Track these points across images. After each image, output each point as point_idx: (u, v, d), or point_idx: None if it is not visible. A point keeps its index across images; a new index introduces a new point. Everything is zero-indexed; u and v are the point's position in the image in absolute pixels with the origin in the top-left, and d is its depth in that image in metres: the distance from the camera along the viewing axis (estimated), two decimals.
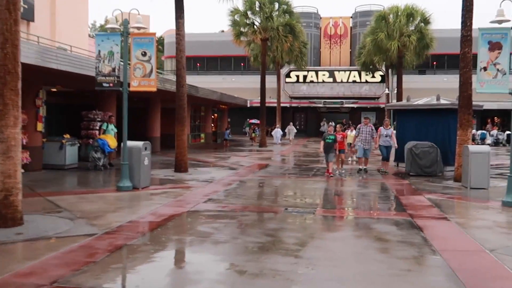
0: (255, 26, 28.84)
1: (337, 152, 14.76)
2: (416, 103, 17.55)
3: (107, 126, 15.67)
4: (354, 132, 21.59)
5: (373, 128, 15.46)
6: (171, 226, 7.62)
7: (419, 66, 37.84)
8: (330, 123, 20.79)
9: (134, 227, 7.40)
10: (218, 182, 12.81)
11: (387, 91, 33.74)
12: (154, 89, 10.99)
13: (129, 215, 8.24)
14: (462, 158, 12.91)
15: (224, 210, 8.96)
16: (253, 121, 35.31)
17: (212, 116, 33.39)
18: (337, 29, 45.12)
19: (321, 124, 42.91)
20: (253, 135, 33.44)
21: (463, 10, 13.39)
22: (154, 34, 10.97)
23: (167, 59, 49.32)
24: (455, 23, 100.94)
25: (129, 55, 11.14)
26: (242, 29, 29.16)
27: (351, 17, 45.54)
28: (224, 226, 7.62)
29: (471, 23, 13.40)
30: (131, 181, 11.09)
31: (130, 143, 11.25)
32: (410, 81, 38.07)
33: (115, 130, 15.64)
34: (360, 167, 15.49)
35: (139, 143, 11.26)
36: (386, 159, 15.29)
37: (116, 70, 10.94)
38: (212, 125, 33.51)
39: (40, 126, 13.82)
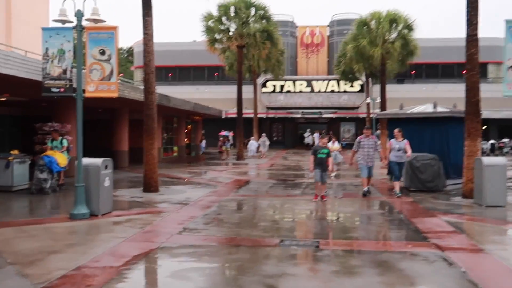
0: (230, 32, 27.11)
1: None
2: (410, 111, 16.06)
3: (52, 141, 13.13)
4: (336, 144, 19.19)
5: (377, 140, 12.70)
6: (132, 276, 5.65)
7: (398, 76, 36.83)
8: (316, 133, 19.02)
9: (82, 278, 5.41)
10: (194, 204, 10.89)
11: (368, 100, 32.38)
12: (115, 95, 9.03)
13: (79, 256, 6.25)
14: (473, 172, 11.40)
15: (204, 244, 7.05)
16: (224, 133, 32.48)
17: (186, 128, 31.38)
18: (314, 38, 43.87)
19: (305, 135, 40.77)
20: (223, 148, 30.17)
21: (468, 7, 11.98)
22: (115, 28, 9.04)
23: (137, 69, 47.08)
24: (433, 33, 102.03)
25: (84, 54, 9.16)
26: (216, 36, 27.34)
27: (328, 25, 44.40)
28: (204, 272, 5.72)
29: (477, 22, 11.98)
30: (89, 206, 9.08)
31: (86, 161, 9.24)
32: (389, 90, 36.75)
33: (64, 144, 13.13)
34: (365, 189, 12.37)
35: (97, 160, 9.25)
36: (398, 178, 12.32)
37: (68, 72, 8.96)
38: (186, 137, 31.47)
39: None
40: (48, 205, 10.98)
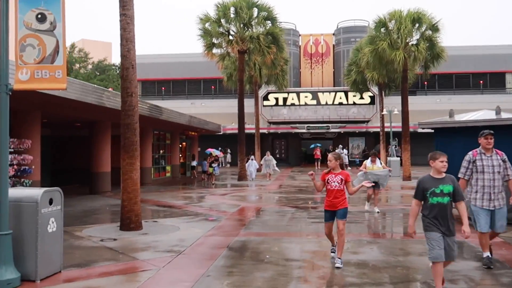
0: (230, 36, 23.88)
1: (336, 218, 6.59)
2: (465, 119, 12.77)
3: None
4: (378, 163, 12.35)
5: (506, 158, 6.58)
6: None
7: (410, 87, 33.62)
8: (373, 150, 15.04)
9: None
10: (191, 253, 7.40)
11: (385, 112, 29.04)
12: (62, 86, 5.59)
13: None
14: None
15: None
16: (213, 151, 23.85)
17: (180, 145, 27.93)
18: (318, 47, 40.74)
19: (339, 151, 29.93)
20: (210, 170, 22.24)
21: None
22: None
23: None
24: (445, 41, 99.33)
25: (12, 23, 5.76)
26: (214, 40, 24.10)
27: (334, 34, 41.31)
28: None
29: None
30: (20, 267, 5.61)
31: (16, 194, 5.78)
32: (401, 102, 33.69)
33: None
34: (487, 254, 6.37)
35: (35, 193, 5.76)
36: None
37: None
38: (180, 155, 27.99)
39: None
40: None
